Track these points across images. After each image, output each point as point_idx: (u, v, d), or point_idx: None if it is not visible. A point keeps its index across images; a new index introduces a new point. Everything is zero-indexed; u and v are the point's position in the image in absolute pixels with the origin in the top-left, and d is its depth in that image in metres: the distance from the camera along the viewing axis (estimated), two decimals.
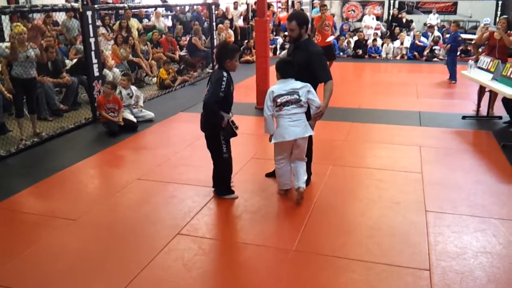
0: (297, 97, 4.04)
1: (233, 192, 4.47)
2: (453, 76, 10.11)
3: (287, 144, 4.15)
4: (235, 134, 4.33)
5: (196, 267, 3.35)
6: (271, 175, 4.78)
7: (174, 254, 3.52)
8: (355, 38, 14.72)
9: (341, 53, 14.17)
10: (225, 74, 4.04)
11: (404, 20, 15.84)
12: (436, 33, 14.14)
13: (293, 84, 4.08)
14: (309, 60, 4.19)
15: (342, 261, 3.41)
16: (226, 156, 4.28)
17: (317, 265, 3.37)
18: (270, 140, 4.24)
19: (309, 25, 4.39)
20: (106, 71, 8.53)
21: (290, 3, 19.50)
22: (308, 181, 4.51)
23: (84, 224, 4.05)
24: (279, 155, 4.28)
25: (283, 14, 19.10)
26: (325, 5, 10.23)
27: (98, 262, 3.46)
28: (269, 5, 16.00)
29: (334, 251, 3.54)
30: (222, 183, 4.48)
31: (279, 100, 4.04)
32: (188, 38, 12.16)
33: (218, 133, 4.20)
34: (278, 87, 4.10)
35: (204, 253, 3.53)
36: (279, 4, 19.77)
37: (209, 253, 3.53)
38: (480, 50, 8.11)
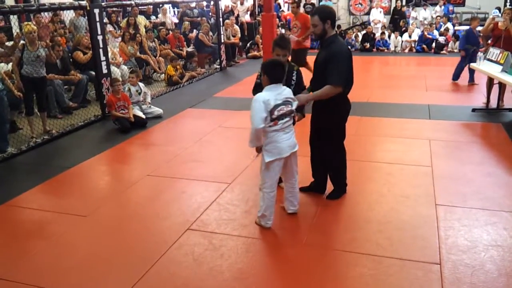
0: (291, 108, 3.58)
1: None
2: (471, 78, 9.08)
3: (283, 163, 3.66)
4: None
5: (207, 261, 3.37)
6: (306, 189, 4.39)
7: (184, 249, 3.54)
8: (363, 32, 14.66)
9: (349, 47, 14.11)
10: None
11: (407, 13, 15.79)
12: (449, 25, 14.01)
13: (285, 91, 3.57)
14: (327, 60, 3.80)
15: (352, 256, 3.41)
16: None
17: (327, 260, 3.38)
18: (260, 153, 3.69)
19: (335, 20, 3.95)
20: (114, 68, 8.57)
21: None
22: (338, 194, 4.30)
23: (95, 220, 4.09)
24: (271, 179, 3.65)
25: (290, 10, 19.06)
26: (295, 2, 8.77)
27: (109, 257, 3.49)
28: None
29: (344, 245, 3.54)
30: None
31: (276, 113, 3.46)
32: (195, 34, 12.17)
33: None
34: (273, 95, 3.48)
35: (214, 248, 3.55)
36: None
37: (219, 248, 3.54)
38: (489, 41, 8.04)
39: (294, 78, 4.06)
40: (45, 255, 3.56)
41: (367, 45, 13.99)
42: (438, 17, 14.52)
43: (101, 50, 7.28)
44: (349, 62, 3.89)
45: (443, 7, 15.94)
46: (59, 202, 4.56)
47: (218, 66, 11.77)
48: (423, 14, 15.79)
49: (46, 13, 10.09)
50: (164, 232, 3.82)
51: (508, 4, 15.47)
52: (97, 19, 7.15)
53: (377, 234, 3.68)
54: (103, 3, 7.51)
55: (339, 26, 16.32)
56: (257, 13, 15.76)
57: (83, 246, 3.68)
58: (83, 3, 7.21)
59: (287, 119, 3.56)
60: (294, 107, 3.60)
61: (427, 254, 3.38)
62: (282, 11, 17.92)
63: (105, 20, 9.05)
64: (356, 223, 3.88)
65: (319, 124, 4.08)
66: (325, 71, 3.79)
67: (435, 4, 16.92)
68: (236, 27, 13.21)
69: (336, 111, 3.98)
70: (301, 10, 9.81)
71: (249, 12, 15.88)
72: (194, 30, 12.66)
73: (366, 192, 4.44)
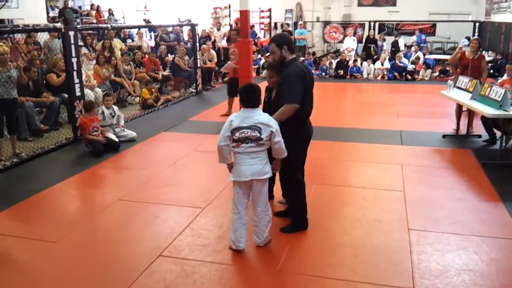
0: (258, 134, 3.50)
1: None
2: None
3: (245, 186, 3.65)
4: None
5: None
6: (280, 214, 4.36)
7: (155, 276, 3.46)
8: (337, 59, 14.97)
9: (323, 74, 14.36)
10: None
11: (378, 42, 16.24)
12: (420, 54, 14.44)
13: (259, 116, 3.54)
14: (281, 82, 3.84)
15: (327, 282, 3.39)
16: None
17: (302, 286, 3.34)
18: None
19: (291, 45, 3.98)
20: (87, 91, 8.48)
21: (272, 24, 19.78)
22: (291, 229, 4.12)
23: (65, 246, 3.96)
24: (236, 201, 3.68)
25: (267, 37, 19.39)
26: (235, 30, 8.74)
27: (78, 285, 3.38)
28: (251, 26, 16.22)
29: (319, 271, 3.52)
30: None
31: (237, 134, 3.49)
32: (171, 58, 12.21)
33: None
34: (240, 117, 3.53)
35: (187, 275, 3.47)
36: (262, 26, 20.03)
37: (191, 275, 3.47)
38: (458, 69, 8.31)
39: None
40: (10, 284, 3.42)
41: (341, 72, 14.26)
42: (416, 46, 14.92)
43: (75, 73, 7.21)
44: (305, 83, 3.81)
45: (417, 36, 16.46)
46: (27, 227, 4.42)
47: (194, 90, 11.79)
48: (400, 43, 16.16)
49: (19, 35, 9.98)
50: (135, 258, 3.72)
51: (476, 34, 16.11)
52: (72, 41, 7.09)
53: (352, 259, 3.68)
54: (78, 26, 7.48)
55: (314, 53, 16.65)
56: None
57: (51, 273, 3.55)
58: (58, 25, 7.16)
59: (252, 144, 3.52)
60: (264, 135, 3.49)
61: (401, 279, 3.38)
62: (258, 37, 18.20)
63: (80, 42, 9.00)
64: (331, 248, 3.87)
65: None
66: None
67: (408, 34, 17.49)
68: (213, 52, 13.33)
69: (292, 138, 3.83)
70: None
71: (225, 38, 16.05)
72: (170, 54, 12.70)
73: (341, 217, 4.45)
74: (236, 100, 8.49)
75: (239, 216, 3.69)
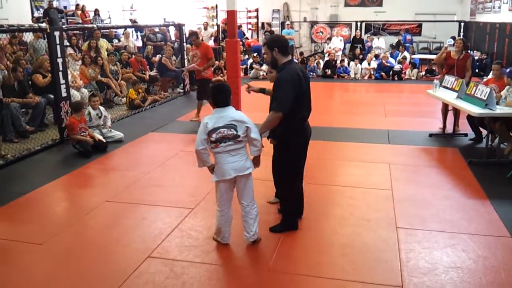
0: (234, 132, 3.54)
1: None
2: None
3: (229, 184, 3.69)
4: None
5: None
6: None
7: (144, 277, 3.43)
8: (326, 59, 15.03)
9: (312, 73, 14.41)
10: None
11: (368, 43, 16.35)
12: (406, 54, 14.56)
13: (232, 114, 3.57)
14: (274, 87, 3.81)
15: (316, 280, 3.39)
16: None
17: (292, 285, 3.35)
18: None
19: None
20: (74, 91, 8.39)
21: (260, 24, 19.80)
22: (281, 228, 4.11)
23: (51, 248, 3.91)
24: (220, 198, 3.73)
25: (254, 37, 19.40)
26: (195, 33, 8.61)
27: (65, 287, 3.34)
28: (239, 26, 16.22)
29: (308, 270, 3.52)
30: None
31: (214, 136, 3.51)
32: (158, 58, 12.15)
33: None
34: (214, 118, 3.55)
35: (176, 276, 3.45)
36: (249, 26, 20.04)
37: (181, 276, 3.45)
38: (444, 69, 8.39)
39: None
40: None
41: (328, 71, 14.31)
42: (402, 47, 15.07)
43: (60, 73, 7.12)
44: (298, 88, 3.75)
45: (402, 35, 16.61)
46: (13, 229, 4.35)
47: (181, 90, 11.74)
48: (377, 43, 16.31)
49: (4, 35, 9.83)
50: (123, 260, 3.69)
51: (461, 34, 16.29)
52: (57, 41, 7.01)
53: (341, 258, 3.69)
54: (63, 26, 7.40)
55: (301, 53, 16.70)
56: (221, 38, 15.91)
57: (38, 275, 3.50)
58: (43, 25, 7.07)
59: (230, 142, 3.56)
60: (240, 132, 3.55)
61: (389, 277, 3.40)
62: (246, 38, 18.20)
63: (66, 42, 8.91)
64: (320, 247, 3.88)
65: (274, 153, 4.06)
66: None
67: (394, 33, 17.63)
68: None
69: (290, 143, 3.89)
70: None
71: (213, 38, 16.02)
72: (158, 55, 12.63)
73: (330, 216, 4.47)
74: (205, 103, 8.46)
75: (222, 214, 3.75)
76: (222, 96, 3.60)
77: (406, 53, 14.61)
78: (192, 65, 8.38)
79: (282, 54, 3.89)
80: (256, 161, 3.79)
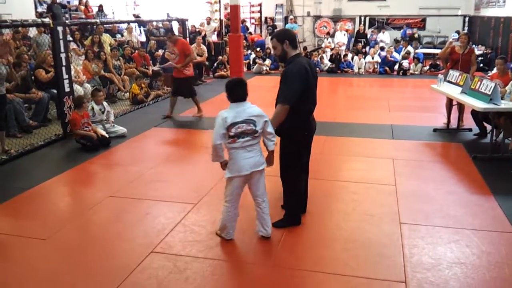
0: (254, 127, 3.51)
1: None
2: None
3: (243, 180, 3.65)
4: None
5: (171, 285, 3.27)
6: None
7: (148, 272, 3.44)
8: (330, 53, 14.99)
9: (317, 69, 14.38)
10: None
11: (373, 36, 16.26)
12: (410, 48, 14.49)
13: (250, 109, 3.54)
14: (280, 80, 3.82)
15: (320, 276, 3.39)
16: None
17: (295, 281, 3.34)
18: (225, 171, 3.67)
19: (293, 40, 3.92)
20: (77, 86, 8.39)
21: (263, 19, 19.73)
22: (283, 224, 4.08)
23: (55, 243, 3.92)
24: (230, 195, 3.68)
25: (257, 31, 19.34)
26: (170, 30, 8.53)
27: (69, 282, 3.34)
28: (243, 21, 16.16)
29: (311, 265, 3.52)
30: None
31: (233, 130, 3.46)
32: (161, 53, 12.13)
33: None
34: (232, 112, 3.49)
35: (179, 271, 3.46)
36: (253, 20, 19.97)
37: (184, 271, 3.45)
38: (448, 64, 8.35)
39: None
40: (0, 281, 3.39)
41: (333, 65, 14.27)
42: (403, 41, 15.02)
43: (64, 68, 7.12)
44: (305, 81, 3.77)
45: (402, 30, 16.51)
46: (17, 224, 4.37)
47: None
48: (381, 37, 16.21)
49: (7, 30, 9.83)
50: (126, 255, 3.69)
51: (466, 28, 16.19)
52: (61, 36, 7.01)
53: (344, 253, 3.68)
54: (67, 21, 7.39)
55: (305, 48, 16.65)
56: (224, 33, 15.88)
57: (42, 270, 3.51)
58: (46, 20, 7.06)
59: (248, 138, 3.52)
60: (258, 127, 3.54)
61: (393, 272, 3.39)
62: (250, 32, 18.14)
63: (69, 37, 8.90)
64: (323, 242, 3.87)
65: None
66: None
67: (397, 28, 17.54)
68: (203, 47, 13.25)
69: (294, 136, 3.89)
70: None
71: (216, 32, 15.98)
72: (160, 50, 12.62)
73: (333, 211, 4.46)
74: (180, 99, 8.46)
75: (230, 210, 3.71)
76: (240, 91, 3.55)
77: (410, 48, 14.54)
78: (169, 62, 8.23)
79: (292, 47, 3.90)
80: (270, 159, 3.75)
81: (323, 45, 16.57)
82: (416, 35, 16.31)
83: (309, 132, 4.03)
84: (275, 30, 3.91)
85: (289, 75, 3.76)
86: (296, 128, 3.87)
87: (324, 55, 14.97)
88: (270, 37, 4.08)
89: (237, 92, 3.55)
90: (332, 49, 15.13)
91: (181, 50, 8.02)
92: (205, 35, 14.73)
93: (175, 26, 13.82)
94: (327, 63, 14.65)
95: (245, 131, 3.50)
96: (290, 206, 4.16)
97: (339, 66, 14.37)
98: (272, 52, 15.45)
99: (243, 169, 3.57)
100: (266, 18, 19.63)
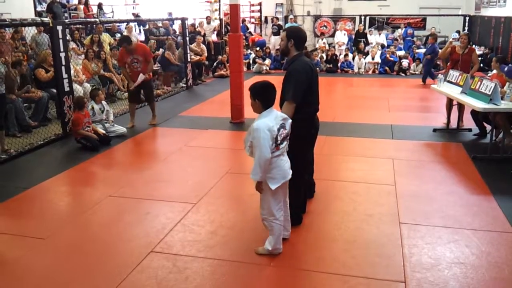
0: (288, 130, 3.44)
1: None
2: (424, 79, 12.13)
3: (285, 186, 3.55)
4: None
5: (171, 285, 3.27)
6: None
7: (147, 272, 3.44)
8: (324, 54, 14.99)
9: (317, 68, 14.36)
10: None
11: (368, 36, 16.23)
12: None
13: (279, 113, 3.46)
14: (285, 79, 3.85)
15: (319, 276, 3.39)
16: None
17: (295, 281, 3.34)
18: (262, 182, 3.43)
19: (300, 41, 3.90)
20: (76, 86, 8.39)
21: (263, 18, 19.72)
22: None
23: (54, 243, 3.92)
24: (277, 204, 3.50)
25: (257, 31, 19.33)
26: (125, 38, 7.75)
27: (67, 282, 3.34)
28: (243, 20, 16.16)
29: (311, 265, 3.52)
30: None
31: (279, 138, 3.33)
32: (161, 53, 12.13)
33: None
34: (271, 120, 3.32)
35: (179, 270, 3.46)
36: (253, 20, 19.96)
37: (184, 271, 3.45)
38: (448, 64, 8.35)
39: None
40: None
41: (330, 65, 14.27)
42: (395, 41, 15.00)
43: (63, 68, 7.12)
44: (310, 79, 3.82)
45: (403, 30, 16.48)
46: (16, 224, 4.36)
47: (184, 85, 11.72)
48: (377, 38, 16.11)
49: (7, 29, 9.82)
50: (126, 254, 3.69)
51: (466, 28, 16.18)
52: (60, 36, 7.00)
53: (344, 253, 3.68)
54: (66, 20, 7.38)
55: (305, 47, 16.62)
56: (224, 33, 15.86)
57: (41, 270, 3.51)
58: (46, 19, 7.06)
59: (285, 142, 3.45)
60: (288, 128, 3.46)
61: (392, 272, 3.39)
62: (250, 32, 18.12)
63: (68, 37, 8.89)
64: (323, 242, 3.87)
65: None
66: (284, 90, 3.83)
67: (397, 27, 17.52)
68: (203, 46, 13.25)
69: (302, 136, 3.88)
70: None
71: (216, 32, 15.97)
72: (160, 49, 12.62)
73: (332, 211, 4.45)
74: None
75: (280, 221, 3.56)
76: (273, 95, 3.39)
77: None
78: (142, 76, 7.52)
79: (295, 48, 3.91)
80: None
81: (317, 46, 16.51)
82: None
83: (315, 130, 4.07)
84: (286, 26, 3.87)
85: (295, 73, 3.80)
86: (302, 127, 3.86)
87: (323, 55, 14.95)
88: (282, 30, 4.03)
89: (270, 96, 3.38)
90: (327, 51, 15.05)
91: (143, 55, 7.57)
92: (204, 34, 14.72)
93: (176, 26, 13.82)
94: (325, 63, 14.64)
95: (285, 136, 3.42)
96: (292, 206, 4.14)
97: (337, 66, 14.36)
98: (271, 51, 15.50)
99: (287, 174, 3.48)
100: (266, 17, 19.62)
